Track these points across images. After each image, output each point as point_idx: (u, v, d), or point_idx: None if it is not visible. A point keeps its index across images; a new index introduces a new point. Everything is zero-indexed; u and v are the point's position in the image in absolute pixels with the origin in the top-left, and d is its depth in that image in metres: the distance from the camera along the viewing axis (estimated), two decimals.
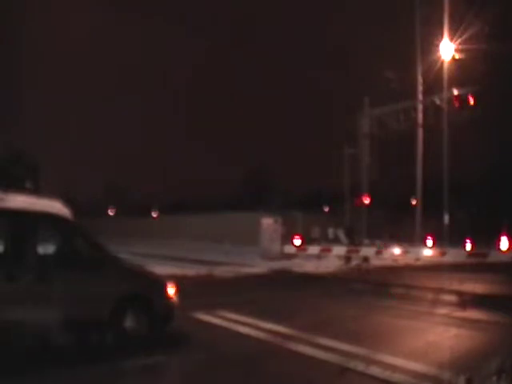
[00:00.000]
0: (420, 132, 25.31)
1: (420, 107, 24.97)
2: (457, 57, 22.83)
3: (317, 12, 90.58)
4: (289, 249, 20.52)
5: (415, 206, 26.27)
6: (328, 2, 78.56)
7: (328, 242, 23.97)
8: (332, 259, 20.34)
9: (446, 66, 22.95)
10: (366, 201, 27.01)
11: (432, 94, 24.40)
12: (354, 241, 24.14)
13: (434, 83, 24.05)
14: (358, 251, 19.99)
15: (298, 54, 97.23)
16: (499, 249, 15.18)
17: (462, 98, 22.39)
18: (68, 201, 7.65)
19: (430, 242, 19.87)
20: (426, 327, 8.40)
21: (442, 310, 10.07)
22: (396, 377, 5.49)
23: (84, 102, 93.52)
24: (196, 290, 11.74)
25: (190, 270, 16.27)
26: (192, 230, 34.41)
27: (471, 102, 22.17)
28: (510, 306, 10.22)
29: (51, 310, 6.02)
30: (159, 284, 7.22)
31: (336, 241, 24.81)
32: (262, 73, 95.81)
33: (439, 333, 8.04)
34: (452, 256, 17.03)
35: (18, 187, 8.36)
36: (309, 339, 7.10)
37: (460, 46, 22.68)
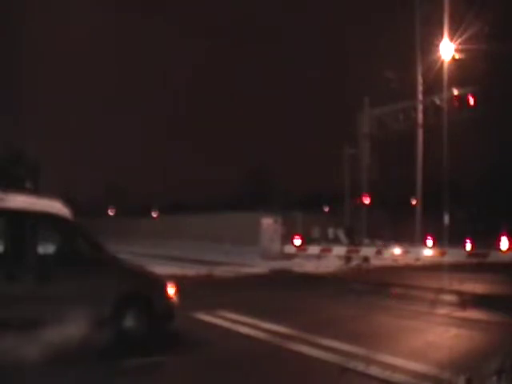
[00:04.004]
0: (420, 132, 25.29)
1: (420, 107, 24.96)
2: (457, 57, 22.80)
3: (317, 12, 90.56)
4: (289, 249, 20.52)
5: (415, 206, 26.26)
6: (328, 2, 78.55)
7: (328, 242, 23.97)
8: (332, 259, 20.33)
9: (446, 66, 22.92)
10: (367, 201, 27.00)
11: (432, 93, 24.40)
12: (353, 241, 24.14)
13: (434, 83, 24.05)
14: (358, 251, 20.00)
15: (298, 53, 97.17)
16: (499, 249, 15.21)
17: (462, 98, 22.40)
18: (68, 201, 7.65)
19: (430, 242, 19.84)
20: (426, 327, 8.40)
21: (442, 310, 10.07)
22: (396, 377, 5.49)
23: (84, 102, 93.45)
24: (196, 290, 11.74)
25: (190, 270, 16.26)
26: (192, 230, 34.38)
27: (471, 101, 22.17)
28: (510, 306, 10.22)
29: (51, 310, 6.02)
30: (159, 284, 7.22)
31: (336, 241, 24.80)
32: (262, 73, 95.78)
33: (439, 333, 8.04)
34: (452, 256, 17.04)
35: (17, 187, 8.37)
36: (309, 339, 7.10)
37: (460, 46, 22.65)
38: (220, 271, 16.78)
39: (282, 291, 12.90)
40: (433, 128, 25.12)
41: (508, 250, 14.86)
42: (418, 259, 20.10)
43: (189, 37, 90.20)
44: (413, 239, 23.67)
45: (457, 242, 19.49)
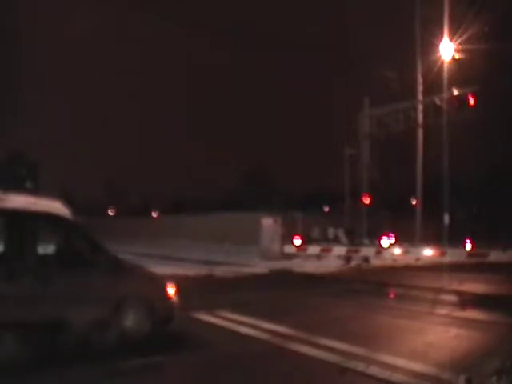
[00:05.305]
0: (420, 132, 25.29)
1: (420, 107, 24.95)
2: (457, 57, 22.79)
3: (317, 12, 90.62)
4: (289, 249, 20.54)
5: (415, 206, 26.26)
6: (328, 2, 78.64)
7: (328, 242, 23.97)
8: (332, 259, 20.34)
9: (446, 66, 22.92)
10: (366, 201, 27.01)
11: (432, 94, 24.38)
12: (353, 241, 24.15)
13: (434, 83, 24.04)
14: (357, 251, 20.00)
15: (299, 53, 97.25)
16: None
17: (462, 98, 22.37)
18: (68, 201, 7.64)
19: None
20: (426, 327, 8.40)
21: (442, 310, 10.07)
22: (396, 377, 5.48)
23: (84, 102, 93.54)
24: (196, 290, 11.74)
25: (191, 270, 16.26)
26: (192, 230, 34.39)
27: (471, 102, 22.15)
28: (510, 306, 10.22)
29: (51, 310, 6.02)
30: (159, 284, 7.21)
31: (336, 241, 24.80)
32: (262, 72, 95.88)
33: (439, 333, 8.04)
34: (452, 256, 17.05)
35: (17, 187, 8.36)
36: (309, 339, 7.10)
37: (460, 46, 22.65)
38: (220, 271, 16.78)
39: (281, 291, 12.90)
40: (433, 128, 25.13)
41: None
42: (418, 259, 20.10)
43: (189, 37, 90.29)
44: (413, 239, 23.68)
45: (457, 242, 19.52)
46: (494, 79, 24.60)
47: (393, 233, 21.47)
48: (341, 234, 25.74)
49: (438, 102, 23.62)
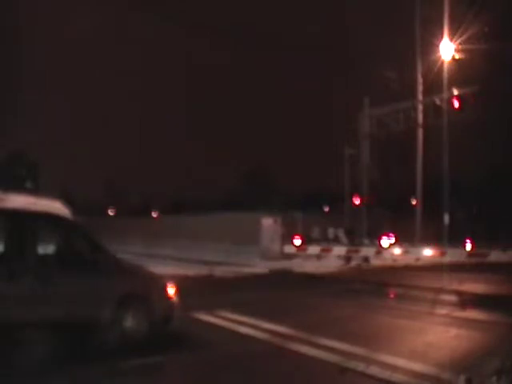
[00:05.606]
0: (420, 132, 25.27)
1: (420, 107, 24.93)
2: (457, 57, 22.77)
3: (317, 12, 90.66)
4: (289, 249, 20.55)
5: (415, 206, 26.25)
6: (328, 2, 78.64)
7: (328, 241, 23.97)
8: (332, 259, 20.34)
9: (446, 66, 22.90)
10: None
11: (432, 94, 24.36)
12: (353, 241, 24.14)
13: (434, 83, 24.02)
14: (357, 251, 20.00)
15: (299, 53, 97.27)
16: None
17: (462, 98, 22.35)
18: (68, 201, 7.64)
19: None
20: (426, 327, 8.40)
21: (442, 310, 10.08)
22: (396, 377, 5.48)
23: (84, 102, 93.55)
24: (196, 290, 11.73)
25: (191, 270, 16.26)
26: (192, 230, 34.30)
27: (471, 101, 22.13)
28: (510, 306, 10.22)
29: (51, 310, 6.02)
30: (159, 284, 7.21)
31: (336, 241, 24.79)
32: (262, 72, 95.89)
33: (439, 333, 8.04)
34: (452, 256, 17.05)
35: (17, 187, 8.36)
36: (309, 339, 7.10)
37: (460, 46, 22.63)
38: (220, 271, 16.78)
39: (281, 291, 12.90)
40: (433, 128, 25.11)
41: None
42: (418, 259, 20.10)
43: (189, 37, 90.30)
44: (413, 239, 23.66)
45: (457, 242, 19.52)
46: (494, 79, 24.55)
47: (393, 233, 21.49)
48: (341, 233, 25.72)
49: (438, 102, 23.59)
